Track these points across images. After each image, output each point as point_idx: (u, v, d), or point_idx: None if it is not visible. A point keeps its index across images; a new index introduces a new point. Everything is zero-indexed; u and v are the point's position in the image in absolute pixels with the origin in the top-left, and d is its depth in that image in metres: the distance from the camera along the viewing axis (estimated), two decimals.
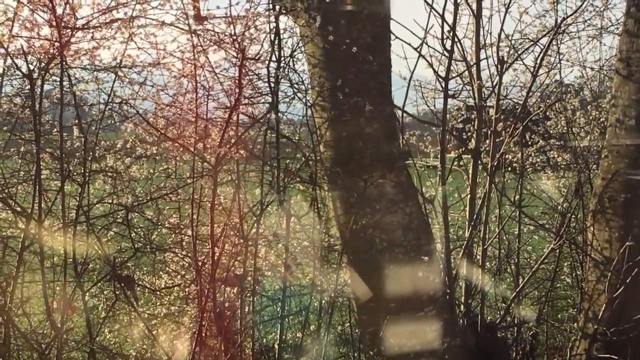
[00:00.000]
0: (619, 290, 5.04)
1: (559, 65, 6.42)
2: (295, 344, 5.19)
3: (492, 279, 6.00)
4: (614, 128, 5.27)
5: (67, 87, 4.36)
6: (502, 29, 5.55)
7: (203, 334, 4.38)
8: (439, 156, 5.25)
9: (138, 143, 5.00)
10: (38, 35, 3.99)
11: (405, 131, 5.32)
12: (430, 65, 5.33)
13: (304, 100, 4.92)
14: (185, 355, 4.70)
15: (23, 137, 4.69)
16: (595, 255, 5.38)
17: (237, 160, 4.62)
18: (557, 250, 6.22)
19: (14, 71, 4.36)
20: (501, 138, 5.66)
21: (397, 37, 4.88)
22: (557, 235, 5.64)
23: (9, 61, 4.18)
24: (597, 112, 6.89)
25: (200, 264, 4.58)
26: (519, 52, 5.86)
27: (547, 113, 6.79)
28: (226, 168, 4.72)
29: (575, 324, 5.96)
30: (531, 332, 6.30)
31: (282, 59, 4.74)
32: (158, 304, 5.43)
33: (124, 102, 4.70)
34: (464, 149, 5.76)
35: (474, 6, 5.25)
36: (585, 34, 6.51)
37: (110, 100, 4.63)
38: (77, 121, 4.64)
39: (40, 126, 4.15)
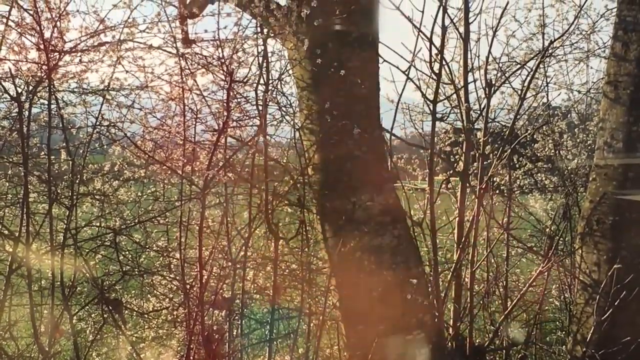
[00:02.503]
0: (608, 313, 5.04)
1: (546, 88, 6.48)
2: None
3: (481, 302, 5.98)
4: (602, 151, 5.28)
5: (55, 110, 4.36)
6: (489, 52, 5.59)
7: (191, 357, 4.36)
8: (427, 179, 5.25)
9: (126, 166, 4.99)
10: (26, 59, 4.00)
11: (394, 154, 5.33)
12: (419, 88, 5.35)
13: (292, 123, 4.93)
14: None
15: (11, 160, 4.68)
16: (583, 278, 5.38)
17: (225, 183, 4.62)
18: (546, 273, 6.22)
19: (2, 94, 4.37)
20: (489, 161, 5.67)
21: (385, 60, 4.91)
22: (546, 257, 5.63)
23: None
24: (584, 135, 6.93)
25: (188, 286, 4.57)
26: (507, 75, 5.89)
27: (535, 136, 6.82)
28: (214, 191, 4.71)
29: (564, 346, 5.95)
30: (520, 355, 6.29)
31: (270, 81, 4.75)
32: (146, 327, 5.40)
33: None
34: (452, 171, 5.77)
35: (462, 29, 5.28)
36: (572, 57, 6.57)
37: (98, 123, 4.64)
38: (64, 144, 4.64)
39: (28, 149, 4.15)
